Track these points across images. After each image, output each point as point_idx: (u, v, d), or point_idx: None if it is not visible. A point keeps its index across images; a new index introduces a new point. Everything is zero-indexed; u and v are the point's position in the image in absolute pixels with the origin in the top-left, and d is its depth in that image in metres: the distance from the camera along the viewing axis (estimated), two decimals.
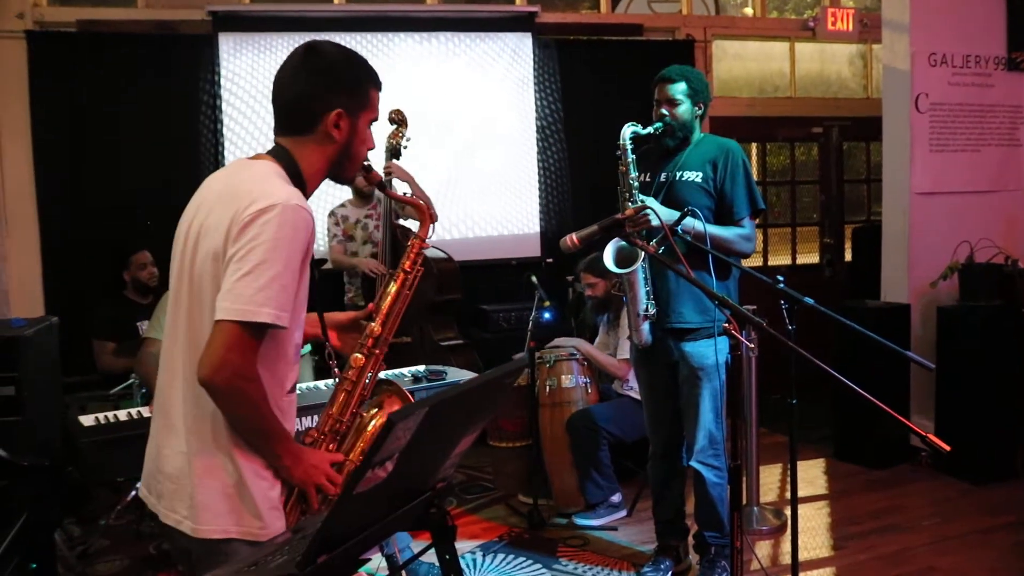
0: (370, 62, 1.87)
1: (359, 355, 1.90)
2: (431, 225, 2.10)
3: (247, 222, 1.63)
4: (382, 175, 1.97)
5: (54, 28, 5.63)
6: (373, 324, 1.92)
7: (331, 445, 1.87)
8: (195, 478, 1.71)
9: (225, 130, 5.71)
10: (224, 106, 5.72)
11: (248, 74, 5.75)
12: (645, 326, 3.29)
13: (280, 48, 5.73)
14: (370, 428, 1.93)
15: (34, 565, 2.55)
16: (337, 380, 1.93)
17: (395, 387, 2.00)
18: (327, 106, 1.78)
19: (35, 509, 2.51)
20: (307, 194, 1.81)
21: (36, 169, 5.54)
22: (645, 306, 3.26)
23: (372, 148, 1.91)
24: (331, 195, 5.60)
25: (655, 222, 3.08)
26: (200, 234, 1.73)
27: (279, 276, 1.62)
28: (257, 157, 1.83)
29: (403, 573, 2.33)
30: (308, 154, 1.81)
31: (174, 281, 1.80)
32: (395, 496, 1.44)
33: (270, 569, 1.32)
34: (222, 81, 5.71)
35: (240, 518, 1.72)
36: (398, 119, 4.82)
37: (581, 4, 6.88)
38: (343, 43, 1.87)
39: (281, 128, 1.83)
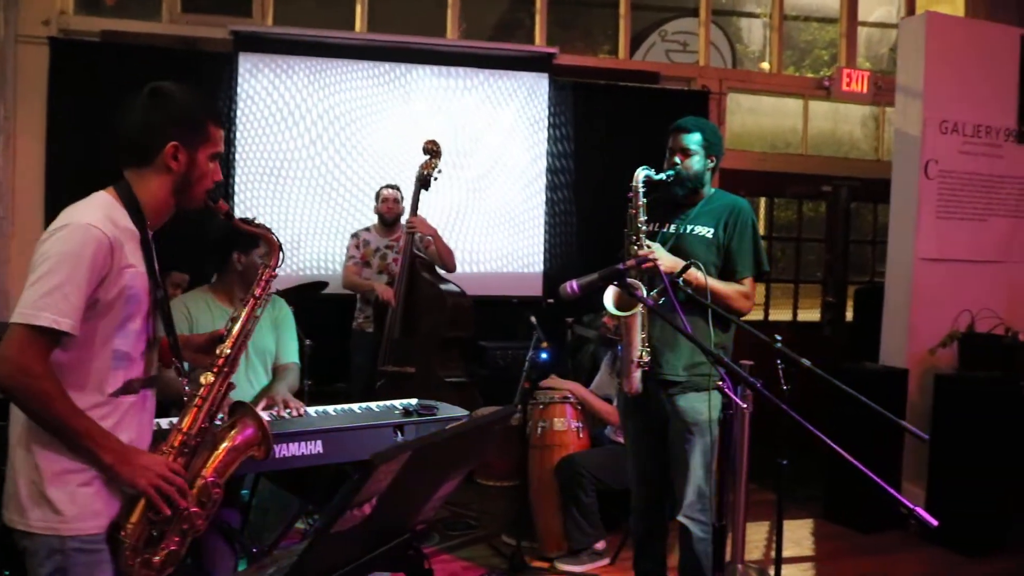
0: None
1: (209, 374, 2.02)
2: (281, 254, 2.19)
3: (43, 240, 1.83)
4: (228, 207, 2.10)
5: (78, 37, 5.70)
6: (224, 346, 2.06)
7: (179, 459, 1.94)
8: (11, 473, 1.87)
9: (237, 149, 5.76)
10: (239, 125, 5.77)
11: (264, 95, 5.79)
12: (637, 374, 3.22)
13: (298, 71, 5.78)
14: (222, 447, 2.00)
15: None
16: (187, 398, 2.02)
17: (247, 409, 2.08)
18: (163, 139, 1.92)
19: None
20: (152, 224, 1.97)
21: (47, 174, 5.57)
22: (640, 353, 3.21)
23: (218, 180, 2.04)
24: (355, 220, 5.64)
25: (664, 265, 3.07)
26: None
27: (61, 286, 1.76)
28: (105, 190, 1.97)
29: None
30: (147, 184, 1.96)
31: None
32: (373, 537, 1.43)
33: None
34: (239, 100, 5.76)
35: (40, 513, 1.83)
36: (432, 150, 4.83)
37: (600, 48, 6.96)
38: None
39: (124, 161, 1.98)
